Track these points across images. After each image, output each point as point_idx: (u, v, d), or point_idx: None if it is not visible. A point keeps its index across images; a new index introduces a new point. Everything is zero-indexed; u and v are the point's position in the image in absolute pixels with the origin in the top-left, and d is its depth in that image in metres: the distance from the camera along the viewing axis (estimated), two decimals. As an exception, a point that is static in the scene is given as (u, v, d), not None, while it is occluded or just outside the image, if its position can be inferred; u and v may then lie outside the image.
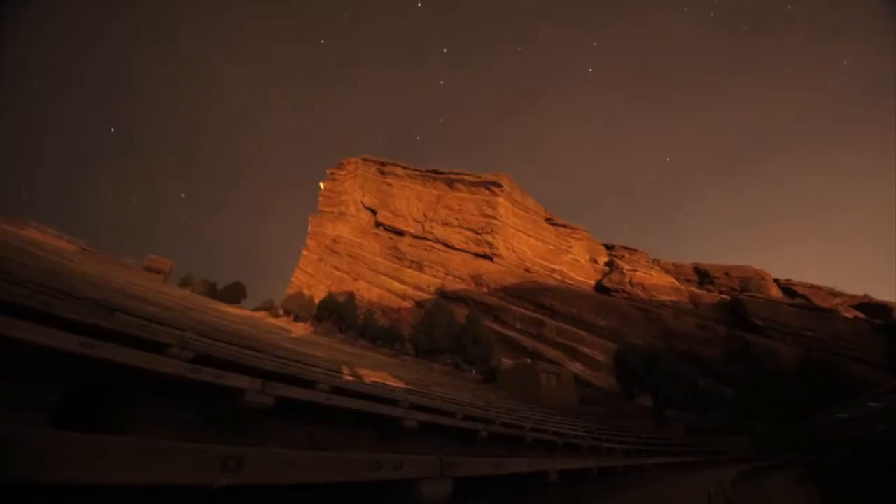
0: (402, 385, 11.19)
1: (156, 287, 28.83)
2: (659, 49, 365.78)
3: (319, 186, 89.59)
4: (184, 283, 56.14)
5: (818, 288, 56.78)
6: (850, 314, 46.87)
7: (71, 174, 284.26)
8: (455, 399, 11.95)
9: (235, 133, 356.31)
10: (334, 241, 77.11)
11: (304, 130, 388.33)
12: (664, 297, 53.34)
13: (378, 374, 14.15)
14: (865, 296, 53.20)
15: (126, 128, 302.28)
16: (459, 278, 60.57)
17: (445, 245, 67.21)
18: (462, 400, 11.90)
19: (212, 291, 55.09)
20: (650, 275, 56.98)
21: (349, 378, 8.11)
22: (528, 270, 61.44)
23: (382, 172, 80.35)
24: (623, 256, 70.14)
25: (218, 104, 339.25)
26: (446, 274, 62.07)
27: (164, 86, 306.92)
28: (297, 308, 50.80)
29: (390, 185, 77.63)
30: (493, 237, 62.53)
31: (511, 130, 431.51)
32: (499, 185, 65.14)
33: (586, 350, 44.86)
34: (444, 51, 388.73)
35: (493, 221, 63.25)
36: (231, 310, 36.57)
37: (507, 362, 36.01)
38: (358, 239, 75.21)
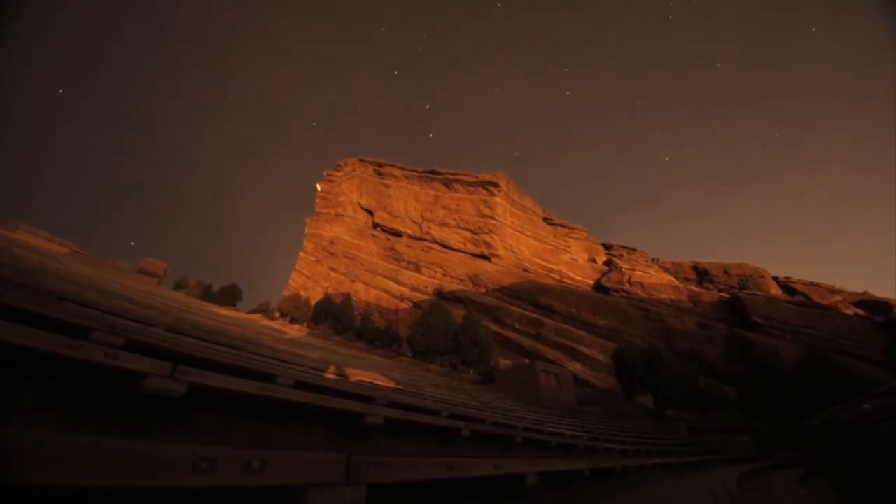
0: (391, 385, 10.75)
1: (145, 288, 28.31)
2: (637, 60, 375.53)
3: (316, 188, 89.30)
4: (178, 286, 55.43)
5: (818, 285, 56.51)
6: (850, 311, 46.53)
7: (70, 179, 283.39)
8: (448, 399, 11.51)
9: (235, 137, 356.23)
10: (331, 242, 76.67)
11: (302, 134, 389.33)
12: (663, 296, 52.94)
13: (369, 374, 13.69)
14: (865, 293, 52.95)
15: (126, 129, 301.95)
16: (457, 279, 60.13)
17: (443, 246, 66.81)
18: (455, 400, 11.47)
19: (206, 294, 54.42)
20: (649, 274, 56.63)
21: (331, 377, 7.66)
22: (526, 270, 61.03)
23: (379, 173, 80.00)
24: (622, 256, 69.82)
25: (218, 104, 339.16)
26: (444, 275, 61.63)
27: (165, 90, 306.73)
28: (293, 310, 50.26)
29: (387, 185, 77.28)
30: (491, 237, 62.17)
31: (507, 134, 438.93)
32: (496, 185, 64.83)
33: (585, 350, 44.43)
34: (427, 107, 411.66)
35: (491, 221, 62.90)
36: (224, 311, 36.02)
37: (505, 363, 35.55)
38: (355, 240, 74.76)
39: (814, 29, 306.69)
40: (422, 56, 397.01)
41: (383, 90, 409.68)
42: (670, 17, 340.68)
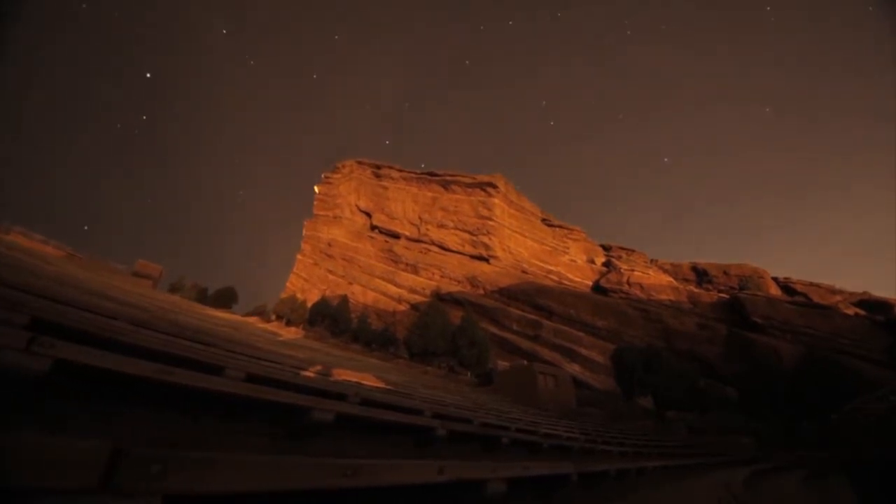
0: (381, 385, 10.38)
1: (137, 290, 27.88)
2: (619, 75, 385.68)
3: (314, 190, 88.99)
4: (174, 289, 55.02)
5: (817, 285, 56.23)
6: (850, 311, 46.22)
7: (70, 182, 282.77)
8: (441, 400, 11.13)
9: (236, 141, 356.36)
10: (329, 244, 76.27)
11: (300, 136, 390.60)
12: (663, 297, 52.62)
13: (360, 375, 13.31)
14: (865, 293, 52.70)
15: (127, 132, 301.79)
16: (455, 280, 59.71)
17: (441, 247, 66.46)
18: (447, 401, 11.09)
19: (202, 297, 54.01)
20: (648, 274, 56.32)
21: (311, 375, 7.29)
22: (524, 272, 60.68)
23: (377, 175, 79.77)
24: (620, 257, 69.48)
25: (218, 104, 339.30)
26: (442, 276, 61.22)
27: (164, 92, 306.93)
28: (289, 312, 49.81)
29: (385, 187, 77.01)
30: (489, 238, 61.84)
31: (506, 134, 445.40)
32: (494, 187, 64.60)
33: (584, 351, 44.01)
34: (423, 165, 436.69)
35: (489, 223, 62.60)
36: (218, 314, 35.57)
37: (503, 364, 35.13)
38: (353, 242, 74.38)
39: (768, 7, 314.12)
40: (408, 123, 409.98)
41: (376, 154, 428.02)
42: (628, 33, 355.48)
